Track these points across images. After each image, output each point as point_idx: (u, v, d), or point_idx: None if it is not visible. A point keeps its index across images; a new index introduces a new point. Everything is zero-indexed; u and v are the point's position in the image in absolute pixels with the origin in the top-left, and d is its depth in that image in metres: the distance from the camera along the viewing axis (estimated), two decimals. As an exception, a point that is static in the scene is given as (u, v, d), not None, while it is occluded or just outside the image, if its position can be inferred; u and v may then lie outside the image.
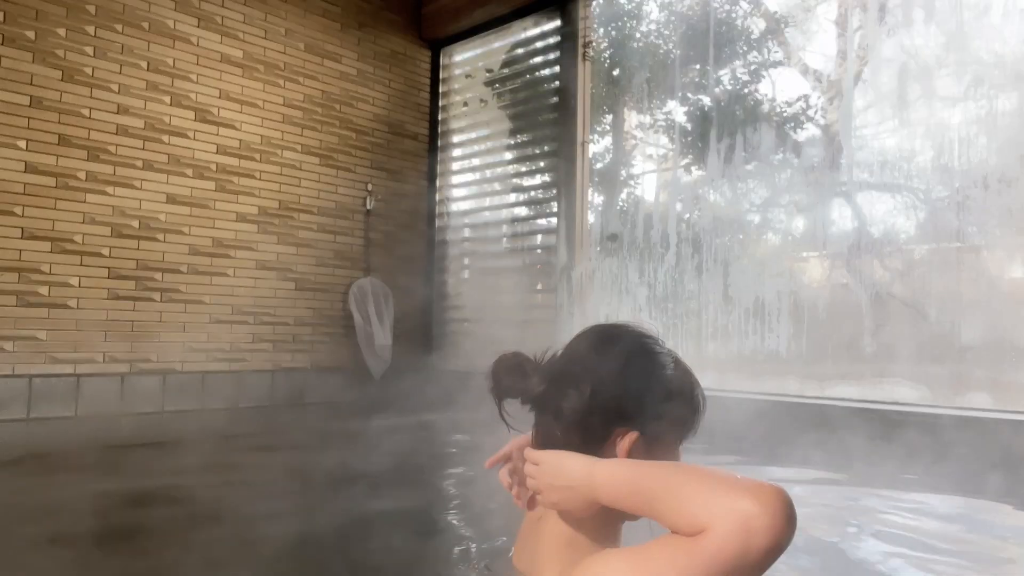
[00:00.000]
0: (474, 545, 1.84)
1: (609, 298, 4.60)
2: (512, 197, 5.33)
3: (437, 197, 5.74)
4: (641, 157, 5.29)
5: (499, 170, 5.45)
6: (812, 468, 2.82)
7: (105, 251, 4.05)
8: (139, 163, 4.18)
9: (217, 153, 4.51)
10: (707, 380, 1.17)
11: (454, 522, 2.20)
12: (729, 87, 4.53)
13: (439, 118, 5.76)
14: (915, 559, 1.81)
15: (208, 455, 3.16)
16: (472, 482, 2.65)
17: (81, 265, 3.96)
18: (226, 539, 1.95)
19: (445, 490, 2.71)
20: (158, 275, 4.24)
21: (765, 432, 3.26)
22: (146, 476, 2.80)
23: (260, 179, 4.71)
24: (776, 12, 4.56)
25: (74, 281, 3.94)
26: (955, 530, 2.19)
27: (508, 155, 5.37)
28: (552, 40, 5.09)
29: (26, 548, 1.87)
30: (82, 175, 3.98)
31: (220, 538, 1.96)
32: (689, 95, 4.76)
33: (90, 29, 4.02)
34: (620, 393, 1.08)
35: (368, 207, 5.25)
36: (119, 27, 4.13)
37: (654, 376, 1.10)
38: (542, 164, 5.18)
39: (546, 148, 5.14)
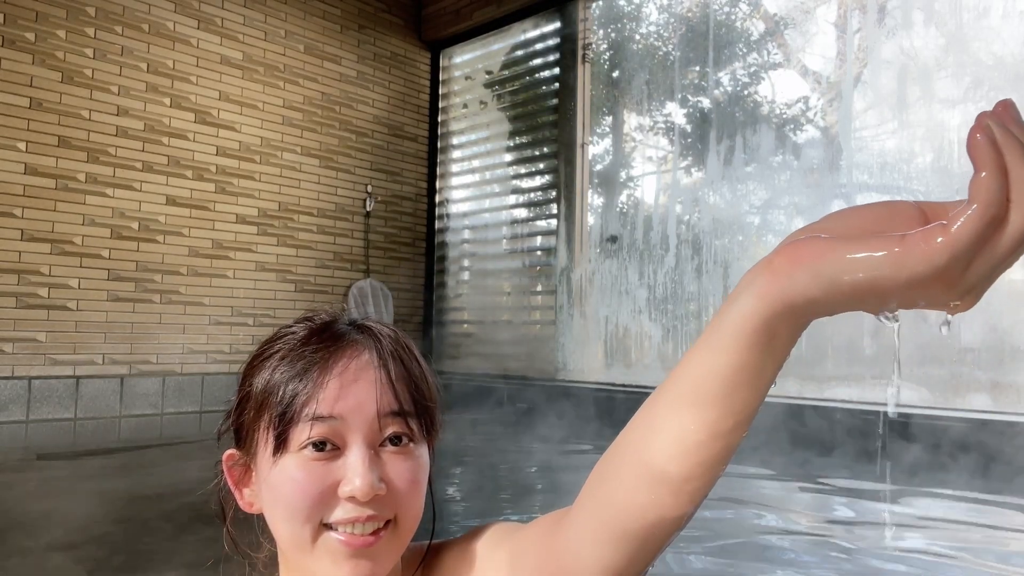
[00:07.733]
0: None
1: (609, 300, 4.60)
2: (512, 199, 5.33)
3: (437, 199, 5.74)
4: (641, 159, 5.29)
5: (499, 172, 5.45)
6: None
7: (105, 253, 4.05)
8: (139, 165, 4.18)
9: (217, 155, 4.51)
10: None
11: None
12: (728, 89, 4.53)
13: (439, 120, 5.77)
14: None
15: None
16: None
17: (81, 267, 3.96)
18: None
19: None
20: (157, 277, 4.24)
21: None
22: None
23: (260, 181, 4.71)
24: (775, 14, 4.56)
25: (74, 283, 3.94)
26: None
27: (508, 157, 5.38)
28: (551, 42, 5.10)
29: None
30: (82, 177, 3.98)
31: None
32: (689, 97, 4.76)
33: (90, 31, 4.03)
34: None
35: (368, 208, 5.25)
36: (119, 29, 4.13)
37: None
38: (542, 166, 5.18)
39: (546, 150, 5.14)
